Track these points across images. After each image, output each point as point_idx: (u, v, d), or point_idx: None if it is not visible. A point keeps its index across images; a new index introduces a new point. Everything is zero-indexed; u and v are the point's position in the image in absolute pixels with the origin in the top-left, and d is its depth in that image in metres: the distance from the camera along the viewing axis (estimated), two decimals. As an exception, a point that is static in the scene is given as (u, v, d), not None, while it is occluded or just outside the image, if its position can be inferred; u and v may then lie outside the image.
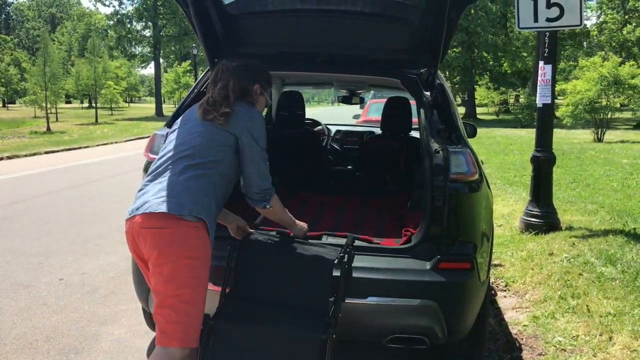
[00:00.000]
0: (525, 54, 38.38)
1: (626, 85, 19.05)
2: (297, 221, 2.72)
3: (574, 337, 3.58)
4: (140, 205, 2.33)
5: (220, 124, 2.45)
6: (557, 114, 19.09)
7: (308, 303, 2.45)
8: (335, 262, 2.43)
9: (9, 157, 14.72)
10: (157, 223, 2.27)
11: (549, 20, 5.77)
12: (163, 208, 2.26)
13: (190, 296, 2.30)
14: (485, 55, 38.75)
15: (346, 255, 2.45)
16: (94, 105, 40.07)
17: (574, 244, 5.32)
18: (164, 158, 2.47)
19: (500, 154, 14.26)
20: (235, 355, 2.36)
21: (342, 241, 2.91)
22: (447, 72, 36.97)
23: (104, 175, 11.52)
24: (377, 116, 7.70)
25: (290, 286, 2.50)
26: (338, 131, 6.93)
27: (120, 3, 46.72)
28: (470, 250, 2.78)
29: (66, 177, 11.41)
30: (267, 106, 2.87)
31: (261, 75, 2.72)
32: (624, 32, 33.94)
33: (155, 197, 2.31)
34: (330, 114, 26.02)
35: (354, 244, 2.65)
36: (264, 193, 2.52)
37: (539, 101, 6.04)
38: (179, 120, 2.66)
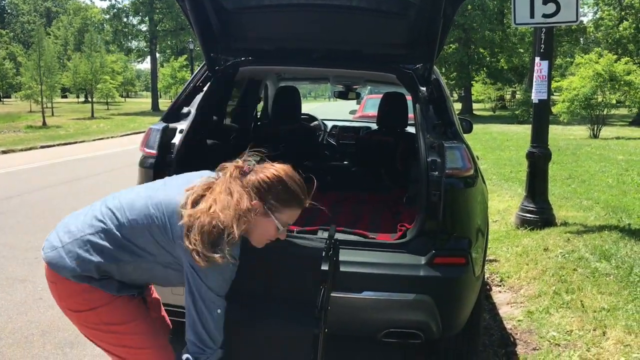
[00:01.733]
0: (522, 50, 38.42)
1: (622, 82, 19.09)
2: None
3: (568, 332, 3.60)
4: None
5: None
6: (554, 110, 19.12)
7: (296, 297, 2.41)
8: (322, 254, 2.38)
9: (4, 152, 14.67)
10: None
11: (545, 16, 5.78)
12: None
13: (132, 342, 2.02)
14: (482, 51, 38.76)
15: (332, 248, 2.40)
16: (90, 99, 39.88)
17: (568, 239, 5.34)
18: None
19: (496, 149, 14.28)
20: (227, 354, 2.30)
21: (338, 236, 2.92)
22: (443, 68, 36.96)
23: (100, 170, 11.49)
24: (374, 112, 7.70)
25: (278, 280, 2.46)
26: (334, 126, 6.94)
27: (117, -3, 46.43)
28: (465, 245, 2.79)
29: (62, 171, 11.38)
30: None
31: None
32: (620, 28, 33.96)
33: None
34: (326, 109, 26.00)
35: (351, 241, 2.65)
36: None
37: (535, 97, 6.05)
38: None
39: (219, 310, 1.87)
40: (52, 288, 2.09)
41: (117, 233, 1.92)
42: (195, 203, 1.87)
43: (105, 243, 1.92)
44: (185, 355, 1.86)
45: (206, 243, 1.78)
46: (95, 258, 1.92)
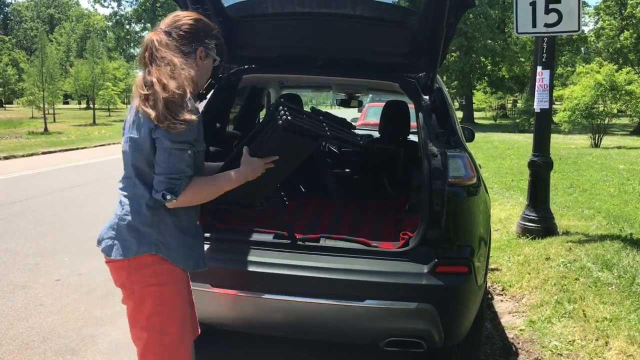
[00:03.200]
0: (523, 59, 38.50)
1: (623, 92, 19.13)
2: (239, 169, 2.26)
3: (570, 341, 3.59)
4: (99, 237, 2.20)
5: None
6: (555, 119, 19.14)
7: None
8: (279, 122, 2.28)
9: (6, 158, 14.70)
10: (112, 259, 2.15)
11: (547, 25, 5.80)
12: (114, 254, 2.12)
13: (162, 325, 2.16)
14: (484, 60, 38.86)
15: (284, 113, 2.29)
16: (91, 106, 39.99)
17: (570, 248, 5.33)
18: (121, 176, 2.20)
19: (498, 158, 14.29)
20: None
21: (341, 244, 2.92)
22: (445, 77, 37.04)
23: (101, 176, 11.50)
24: (376, 120, 7.70)
25: None
26: None
27: (119, 4, 46.60)
28: (468, 254, 2.79)
29: (63, 177, 11.39)
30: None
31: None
32: (621, 38, 34.07)
33: (105, 237, 2.17)
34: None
35: (353, 249, 2.64)
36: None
37: (537, 106, 6.06)
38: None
39: (189, 152, 2.05)
40: None
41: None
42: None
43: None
44: (159, 194, 2.03)
45: (175, 114, 1.97)
46: None
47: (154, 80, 2.01)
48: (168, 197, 2.02)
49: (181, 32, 2.16)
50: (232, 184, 2.21)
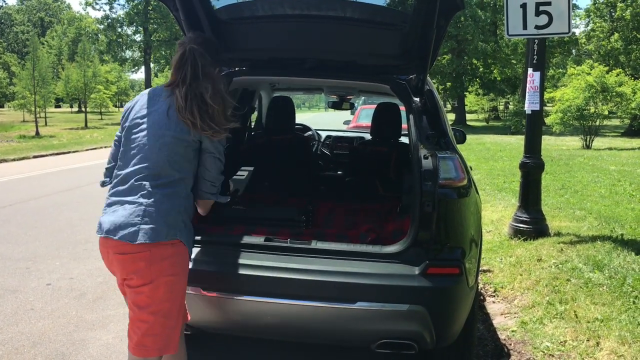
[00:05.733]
0: (514, 61, 38.67)
1: (613, 93, 19.24)
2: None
3: (561, 342, 3.60)
4: (112, 227, 2.29)
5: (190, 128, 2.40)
6: (547, 121, 19.24)
7: None
8: None
9: (-4, 161, 14.61)
10: (133, 249, 2.27)
11: (537, 27, 5.83)
12: (140, 238, 2.25)
13: (169, 310, 2.36)
14: (475, 62, 39.00)
15: None
16: (83, 109, 39.82)
17: (562, 249, 5.35)
18: (129, 170, 2.38)
19: (490, 160, 14.34)
20: None
21: (333, 246, 2.92)
22: (437, 79, 37.14)
23: (93, 180, 11.44)
24: (368, 122, 7.71)
25: None
26: (328, 137, 6.94)
27: (111, 7, 46.49)
28: (459, 255, 2.79)
29: (55, 181, 11.33)
30: None
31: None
32: (612, 40, 34.29)
33: (128, 224, 2.27)
34: (320, 119, 26.07)
35: (344, 251, 2.64)
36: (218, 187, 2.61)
37: (528, 108, 6.09)
38: (143, 101, 2.53)
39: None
40: None
41: None
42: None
43: None
44: (223, 197, 2.65)
45: (222, 122, 2.43)
46: None
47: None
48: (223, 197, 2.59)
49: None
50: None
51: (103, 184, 2.61)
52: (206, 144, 2.43)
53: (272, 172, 4.44)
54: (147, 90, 2.57)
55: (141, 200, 2.30)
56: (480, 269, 3.40)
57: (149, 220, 2.27)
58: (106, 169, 2.63)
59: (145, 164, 2.35)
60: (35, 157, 16.20)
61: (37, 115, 28.43)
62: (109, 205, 2.38)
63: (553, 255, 5.19)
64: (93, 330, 4.00)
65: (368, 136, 5.33)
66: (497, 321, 4.18)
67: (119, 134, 2.55)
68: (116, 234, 2.27)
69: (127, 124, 2.48)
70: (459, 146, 3.50)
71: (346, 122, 13.15)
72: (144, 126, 2.40)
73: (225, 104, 2.47)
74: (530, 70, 6.06)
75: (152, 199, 2.30)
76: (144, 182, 2.33)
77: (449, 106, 44.31)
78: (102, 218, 2.36)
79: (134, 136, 2.42)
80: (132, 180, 2.34)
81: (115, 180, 2.42)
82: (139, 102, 2.50)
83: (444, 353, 3.16)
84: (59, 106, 64.49)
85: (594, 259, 4.95)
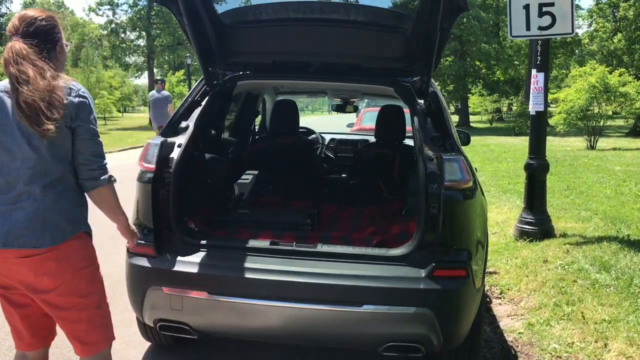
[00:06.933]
0: (517, 63, 38.60)
1: (617, 93, 19.17)
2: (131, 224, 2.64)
3: (569, 344, 3.58)
4: (5, 238, 2.13)
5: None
6: (550, 122, 19.18)
7: None
8: None
9: (1, 168, 14.62)
10: (38, 251, 2.16)
11: (541, 28, 5.81)
12: (44, 243, 2.15)
13: (98, 300, 2.39)
14: (478, 63, 38.95)
15: None
16: (87, 115, 39.84)
17: (568, 250, 5.33)
18: (8, 177, 2.18)
19: (494, 161, 14.30)
20: None
21: (338, 249, 2.92)
22: (440, 81, 37.11)
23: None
24: (371, 124, 7.71)
25: None
26: (332, 139, 6.95)
27: (114, 12, 46.58)
28: (465, 257, 2.79)
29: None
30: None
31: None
32: (615, 40, 34.22)
33: (26, 229, 2.14)
34: (324, 122, 26.08)
35: (350, 254, 2.65)
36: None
37: (532, 109, 6.07)
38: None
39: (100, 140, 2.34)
40: None
41: None
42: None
43: None
44: (105, 176, 2.32)
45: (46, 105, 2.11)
46: None
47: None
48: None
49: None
50: (117, 210, 2.46)
51: None
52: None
53: (277, 176, 4.44)
54: None
55: (34, 203, 2.17)
56: (486, 270, 3.38)
57: (48, 222, 2.17)
58: None
59: (25, 165, 2.18)
60: (40, 162, 16.21)
61: (42, 121, 28.47)
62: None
63: (559, 257, 5.17)
64: (99, 335, 3.99)
65: (372, 139, 5.34)
66: (503, 323, 4.17)
67: None
68: (10, 244, 2.14)
69: None
70: (463, 148, 3.50)
71: (349, 125, 13.13)
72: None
73: None
74: (534, 71, 6.04)
75: (46, 201, 2.18)
76: (31, 183, 2.17)
77: (452, 108, 44.24)
78: None
79: None
80: (15, 184, 2.18)
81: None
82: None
83: (451, 356, 3.16)
84: (63, 112, 64.52)
85: (601, 259, 4.93)
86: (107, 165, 2.34)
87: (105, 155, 2.38)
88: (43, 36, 2.22)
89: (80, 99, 2.22)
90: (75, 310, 2.30)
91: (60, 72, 2.29)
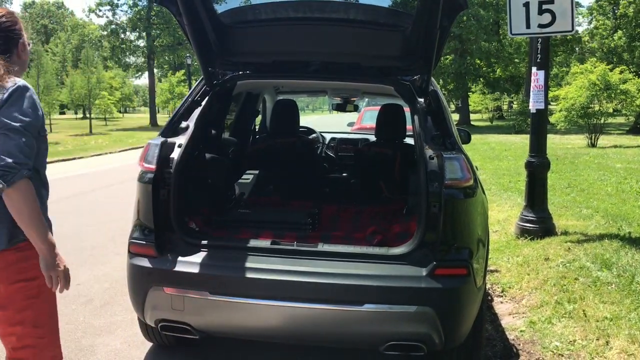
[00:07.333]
0: (518, 60, 38.57)
1: (618, 91, 19.17)
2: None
3: (571, 341, 3.58)
4: None
5: None
6: (551, 119, 19.17)
7: None
8: None
9: (2, 169, 14.64)
10: None
11: (541, 26, 5.81)
12: None
13: (35, 317, 2.18)
14: (478, 61, 38.93)
15: None
16: (88, 115, 39.95)
17: (569, 248, 5.32)
18: None
19: (495, 159, 14.30)
20: None
21: (339, 249, 2.91)
22: (440, 79, 37.08)
23: (98, 186, 11.48)
24: (372, 123, 7.70)
25: None
26: (333, 139, 6.95)
27: (114, 13, 46.57)
28: (466, 256, 2.79)
29: (60, 188, 11.34)
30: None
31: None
32: (615, 37, 34.18)
33: None
34: (324, 121, 26.08)
35: (351, 253, 2.65)
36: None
37: (533, 107, 6.07)
38: None
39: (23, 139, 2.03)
40: None
41: None
42: None
43: None
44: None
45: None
46: None
47: None
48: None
49: None
50: (40, 228, 2.16)
51: None
52: None
53: (277, 175, 4.44)
54: None
55: None
56: (487, 269, 3.38)
57: None
58: None
59: None
60: (40, 164, 16.23)
61: (42, 123, 28.53)
62: None
63: (560, 254, 5.17)
64: (101, 336, 4.00)
65: (372, 138, 5.34)
66: (505, 321, 4.17)
67: None
68: None
69: None
70: (464, 146, 3.49)
71: (350, 124, 13.13)
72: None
73: None
74: (534, 69, 6.04)
75: None
76: None
77: (452, 106, 44.23)
78: None
79: None
80: None
81: None
82: None
83: (452, 354, 3.15)
84: (64, 113, 64.66)
85: (602, 257, 4.92)
86: (16, 165, 1.99)
87: (20, 155, 2.01)
88: (3, 33, 2.17)
89: (9, 94, 2.05)
90: (7, 323, 2.17)
91: (22, 70, 2.26)
